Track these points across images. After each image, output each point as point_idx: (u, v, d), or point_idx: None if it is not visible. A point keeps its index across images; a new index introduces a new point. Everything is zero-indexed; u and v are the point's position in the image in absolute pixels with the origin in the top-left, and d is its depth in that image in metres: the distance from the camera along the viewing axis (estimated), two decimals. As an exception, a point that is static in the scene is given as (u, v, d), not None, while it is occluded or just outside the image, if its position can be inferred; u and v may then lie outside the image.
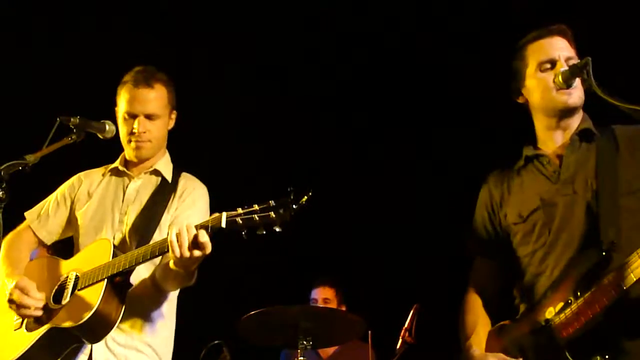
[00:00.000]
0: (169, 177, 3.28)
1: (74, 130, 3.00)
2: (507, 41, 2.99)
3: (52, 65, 5.41)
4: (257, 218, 2.56)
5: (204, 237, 2.64)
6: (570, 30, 2.84)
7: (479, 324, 2.88)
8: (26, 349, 2.91)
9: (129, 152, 3.27)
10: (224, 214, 2.62)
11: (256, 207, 2.58)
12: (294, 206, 2.55)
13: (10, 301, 3.00)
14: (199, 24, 5.71)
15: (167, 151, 3.37)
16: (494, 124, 5.06)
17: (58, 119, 2.98)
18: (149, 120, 3.18)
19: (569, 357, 2.50)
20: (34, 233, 3.33)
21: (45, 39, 5.49)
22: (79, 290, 2.96)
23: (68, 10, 5.45)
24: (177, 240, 2.66)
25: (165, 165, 3.31)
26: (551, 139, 2.83)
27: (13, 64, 5.42)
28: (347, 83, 5.77)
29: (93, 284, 2.91)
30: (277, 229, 2.56)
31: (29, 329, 2.98)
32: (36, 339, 2.91)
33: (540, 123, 2.86)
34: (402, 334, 4.41)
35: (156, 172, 3.29)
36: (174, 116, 3.31)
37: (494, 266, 2.96)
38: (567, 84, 2.68)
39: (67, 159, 3.24)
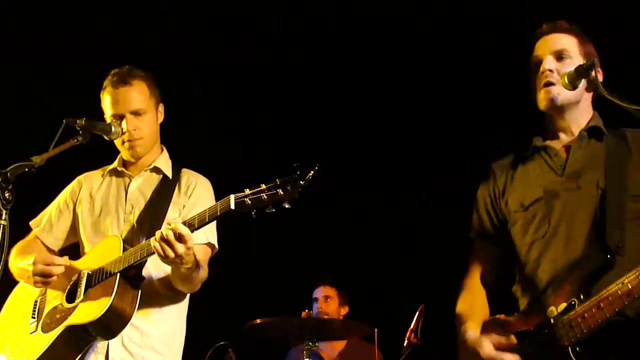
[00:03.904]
0: (169, 173, 3.28)
1: (80, 132, 3.00)
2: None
3: (57, 66, 5.43)
4: (265, 197, 2.58)
5: (180, 232, 2.69)
6: (569, 24, 2.81)
7: (476, 309, 2.84)
8: (44, 349, 2.91)
9: (124, 153, 3.28)
10: (232, 196, 2.63)
11: (263, 186, 2.60)
12: (301, 182, 2.55)
13: (38, 274, 3.01)
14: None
15: (164, 147, 3.37)
16: (498, 124, 5.06)
17: (64, 121, 2.97)
18: (136, 116, 3.18)
19: (573, 358, 2.47)
20: (42, 242, 3.33)
21: (51, 39, 5.49)
22: (92, 287, 2.96)
23: (75, 11, 5.45)
24: (161, 246, 2.71)
25: (164, 162, 3.31)
26: (559, 134, 2.82)
27: (17, 64, 5.44)
28: (358, 76, 5.76)
29: (106, 279, 2.92)
30: (287, 206, 2.58)
31: (45, 331, 2.99)
32: (53, 339, 2.91)
33: (546, 118, 2.86)
34: (407, 334, 4.42)
35: (156, 170, 3.29)
36: (161, 109, 3.32)
37: (493, 251, 2.93)
38: (573, 85, 2.65)
39: (71, 161, 3.25)
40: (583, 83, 2.68)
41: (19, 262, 3.17)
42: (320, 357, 5.11)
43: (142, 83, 3.23)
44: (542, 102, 2.77)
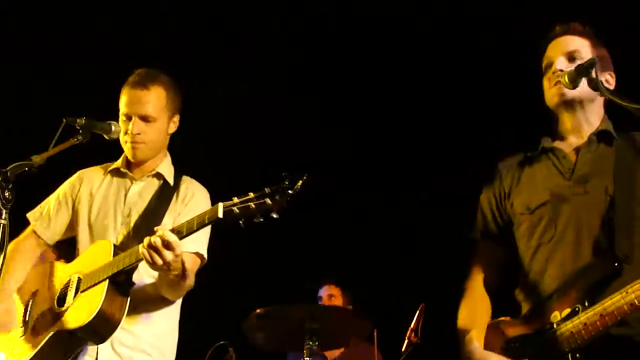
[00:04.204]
0: (171, 180, 3.26)
1: (80, 131, 2.99)
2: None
3: (57, 65, 5.43)
4: (254, 206, 2.56)
5: (169, 239, 2.69)
6: (583, 26, 2.81)
7: (479, 315, 2.82)
8: (33, 354, 2.92)
9: (126, 152, 3.25)
10: (221, 205, 2.62)
11: (251, 195, 2.58)
12: (289, 191, 2.54)
13: None
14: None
15: (168, 153, 3.35)
16: (501, 124, 5.06)
17: (64, 120, 2.97)
18: (144, 121, 3.15)
19: None
20: (39, 236, 3.30)
21: (51, 39, 5.49)
22: (82, 291, 2.96)
23: (75, 11, 5.45)
24: (149, 253, 2.72)
25: (167, 169, 3.29)
26: (568, 135, 2.79)
27: (17, 64, 5.44)
28: (352, 70, 5.75)
29: (96, 284, 2.91)
30: (274, 216, 2.56)
31: (34, 335, 2.99)
32: (43, 342, 2.92)
33: (556, 121, 2.84)
34: (408, 334, 4.42)
35: (158, 176, 3.27)
36: (176, 119, 3.27)
37: (497, 253, 2.91)
38: (574, 84, 2.63)
39: (71, 159, 3.24)
40: (584, 82, 2.66)
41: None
42: (322, 355, 5.11)
43: (161, 91, 3.18)
44: (553, 99, 2.75)
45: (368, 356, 4.74)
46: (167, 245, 2.70)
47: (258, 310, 3.99)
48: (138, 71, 3.23)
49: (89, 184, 3.31)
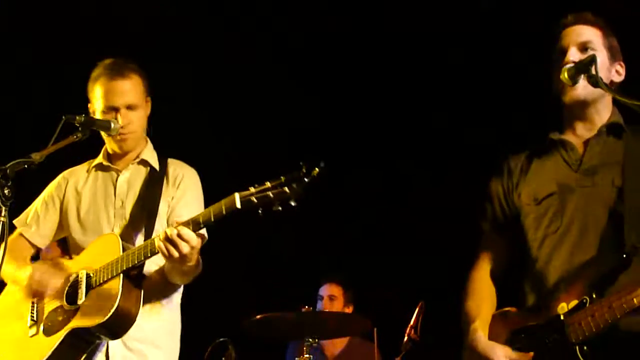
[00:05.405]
0: (156, 165, 3.25)
1: (79, 129, 3.00)
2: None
3: (56, 63, 5.43)
4: (272, 195, 2.57)
5: (186, 232, 2.71)
6: (595, 17, 2.80)
7: (484, 305, 2.81)
8: (49, 352, 2.89)
9: (112, 146, 3.23)
10: (237, 195, 2.62)
11: (268, 184, 2.59)
12: (306, 179, 2.55)
13: (34, 289, 3.04)
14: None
15: (149, 139, 3.34)
16: (504, 124, 5.06)
17: (63, 117, 2.97)
18: (131, 110, 3.16)
19: (579, 357, 2.47)
20: (28, 240, 3.28)
21: (49, 37, 5.49)
22: (94, 287, 2.93)
23: (72, 9, 5.45)
24: (166, 247, 2.72)
25: (151, 154, 3.29)
26: (578, 128, 2.79)
27: (17, 63, 5.45)
28: (360, 69, 5.73)
29: (108, 280, 2.89)
30: (293, 204, 2.56)
31: (47, 334, 2.96)
32: (59, 341, 2.89)
33: (565, 112, 2.83)
34: (407, 331, 4.42)
35: (144, 162, 3.26)
36: (149, 103, 3.28)
37: (504, 244, 2.91)
38: (573, 80, 2.65)
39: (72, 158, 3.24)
40: (583, 78, 2.66)
41: (10, 265, 3.11)
42: (322, 353, 5.11)
43: (137, 77, 3.21)
44: (564, 97, 2.74)
45: (368, 354, 4.74)
46: (184, 238, 2.71)
47: (257, 317, 3.99)
48: (106, 62, 3.23)
49: (74, 183, 3.30)
